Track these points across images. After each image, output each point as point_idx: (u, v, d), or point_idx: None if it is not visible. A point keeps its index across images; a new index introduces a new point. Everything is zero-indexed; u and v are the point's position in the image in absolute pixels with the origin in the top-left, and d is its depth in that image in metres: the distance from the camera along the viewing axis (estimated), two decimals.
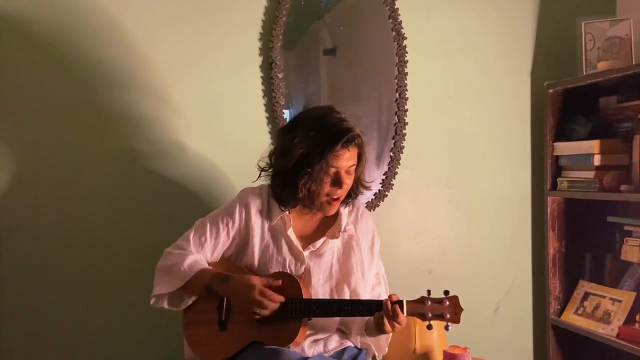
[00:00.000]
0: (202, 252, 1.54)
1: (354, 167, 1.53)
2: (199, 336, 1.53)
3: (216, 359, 1.51)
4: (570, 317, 2.17)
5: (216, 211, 1.58)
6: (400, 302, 1.43)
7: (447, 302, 1.43)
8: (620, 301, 2.02)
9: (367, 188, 1.63)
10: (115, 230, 1.83)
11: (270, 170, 1.56)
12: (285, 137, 1.51)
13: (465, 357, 1.64)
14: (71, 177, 1.79)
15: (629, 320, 1.96)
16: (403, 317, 1.42)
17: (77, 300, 1.81)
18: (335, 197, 1.52)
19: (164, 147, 1.86)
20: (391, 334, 1.55)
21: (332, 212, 1.55)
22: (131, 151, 1.83)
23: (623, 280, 2.06)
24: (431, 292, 1.45)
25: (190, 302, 1.54)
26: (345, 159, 1.48)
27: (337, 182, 1.49)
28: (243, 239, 1.56)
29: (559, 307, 2.25)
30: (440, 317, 1.43)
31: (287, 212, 1.55)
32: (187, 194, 1.88)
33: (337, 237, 1.56)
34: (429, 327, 1.44)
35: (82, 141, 1.80)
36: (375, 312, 1.45)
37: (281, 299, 1.43)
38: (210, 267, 1.52)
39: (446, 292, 1.45)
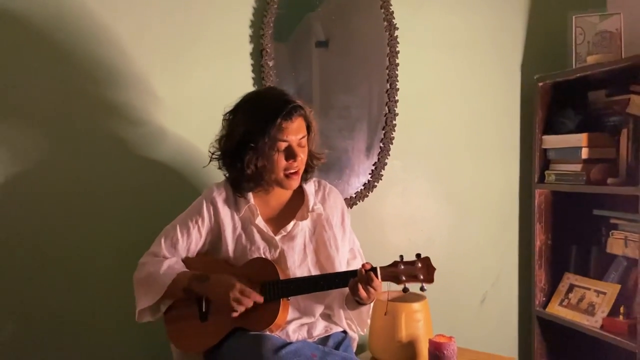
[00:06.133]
0: (176, 253, 1.55)
1: (305, 138, 1.53)
2: (182, 331, 1.53)
3: (201, 350, 1.51)
4: (555, 309, 2.19)
5: (183, 213, 1.59)
6: (374, 269, 1.44)
7: (420, 264, 1.46)
8: (604, 293, 2.04)
9: (320, 160, 1.63)
10: (102, 221, 1.81)
11: (219, 154, 1.57)
12: (228, 120, 1.55)
13: (450, 345, 1.65)
14: (65, 171, 1.77)
15: (613, 312, 1.99)
16: (378, 281, 1.43)
17: (65, 297, 1.78)
18: (292, 170, 1.52)
19: (150, 133, 1.84)
20: (371, 306, 1.59)
21: (293, 186, 1.55)
22: (116, 138, 1.81)
23: (608, 273, 2.09)
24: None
25: (168, 305, 1.53)
26: (293, 132, 1.49)
27: (290, 155, 1.50)
28: (215, 235, 1.57)
29: (544, 298, 2.27)
30: (414, 277, 1.45)
31: (252, 202, 1.55)
32: (174, 181, 1.86)
33: (306, 219, 1.57)
34: (405, 289, 1.46)
35: (70, 132, 1.77)
36: (350, 279, 1.45)
37: (260, 299, 1.44)
38: (186, 269, 1.52)
39: (418, 255, 1.47)
